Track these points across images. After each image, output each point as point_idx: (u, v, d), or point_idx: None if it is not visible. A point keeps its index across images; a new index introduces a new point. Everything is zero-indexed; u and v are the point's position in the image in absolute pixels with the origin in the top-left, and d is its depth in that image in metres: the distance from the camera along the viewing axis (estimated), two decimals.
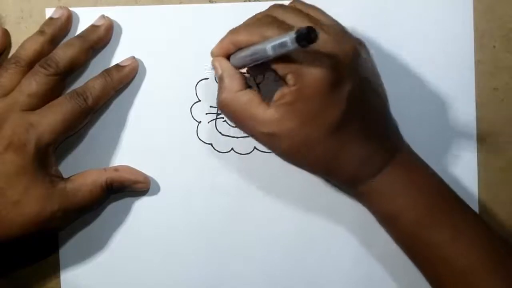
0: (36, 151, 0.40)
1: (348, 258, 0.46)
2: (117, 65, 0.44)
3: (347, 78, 0.38)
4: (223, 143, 0.45)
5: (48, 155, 0.41)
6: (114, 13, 0.45)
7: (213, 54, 0.41)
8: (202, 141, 0.45)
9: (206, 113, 0.45)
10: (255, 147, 0.45)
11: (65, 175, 0.42)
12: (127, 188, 0.44)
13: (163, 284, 0.46)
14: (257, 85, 0.45)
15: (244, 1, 0.45)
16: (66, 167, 0.44)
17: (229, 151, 0.46)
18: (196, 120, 0.45)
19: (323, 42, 0.37)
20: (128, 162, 0.45)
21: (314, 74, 0.37)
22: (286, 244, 0.46)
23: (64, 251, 0.45)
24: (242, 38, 0.39)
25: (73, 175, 0.43)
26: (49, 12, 0.44)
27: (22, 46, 0.43)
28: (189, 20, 0.45)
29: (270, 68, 0.38)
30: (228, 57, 0.41)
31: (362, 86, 0.39)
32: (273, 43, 0.35)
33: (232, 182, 0.45)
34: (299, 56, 0.37)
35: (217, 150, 0.46)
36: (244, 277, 0.46)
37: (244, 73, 0.41)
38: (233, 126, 0.45)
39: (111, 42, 0.45)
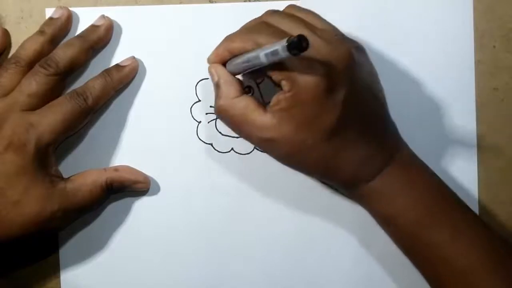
0: (36, 151, 0.40)
1: (348, 258, 0.46)
2: (117, 65, 0.44)
3: (342, 83, 0.38)
4: (223, 143, 0.45)
5: (48, 155, 0.41)
6: (114, 13, 0.45)
7: (209, 61, 0.41)
8: (202, 141, 0.45)
9: (206, 113, 0.45)
10: (255, 147, 0.45)
11: (65, 175, 0.42)
12: (127, 188, 0.44)
13: (163, 284, 0.46)
14: (257, 84, 0.45)
15: (244, 1, 0.45)
16: (66, 167, 0.44)
17: (229, 151, 0.46)
18: (196, 120, 0.45)
19: (318, 47, 0.37)
20: (128, 162, 0.45)
21: (308, 80, 0.37)
22: (286, 244, 0.46)
23: (64, 251, 0.45)
24: (237, 45, 0.39)
25: (73, 175, 0.43)
26: (49, 12, 0.44)
27: (22, 46, 0.43)
28: (189, 20, 0.45)
29: (265, 74, 0.39)
30: (224, 63, 0.41)
31: (359, 90, 0.39)
32: (265, 51, 0.35)
33: (232, 182, 0.45)
34: (293, 62, 0.37)
35: (217, 150, 0.46)
36: (244, 277, 0.46)
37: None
38: None
39: (111, 42, 0.45)
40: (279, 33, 0.38)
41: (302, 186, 0.45)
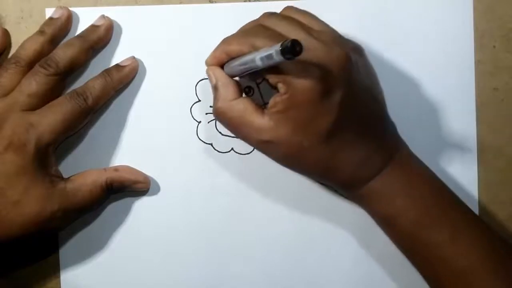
0: (36, 151, 0.40)
1: (348, 258, 0.46)
2: (117, 65, 0.44)
3: (338, 85, 0.38)
4: (223, 143, 0.45)
5: (48, 155, 0.41)
6: (114, 13, 0.45)
7: (207, 63, 0.42)
8: (202, 141, 0.45)
9: (206, 113, 0.45)
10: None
11: (65, 175, 0.42)
12: (127, 188, 0.44)
13: (163, 284, 0.46)
14: (257, 85, 0.45)
15: (244, 1, 0.45)
16: (66, 167, 0.44)
17: (229, 151, 0.46)
18: (196, 120, 0.45)
19: (314, 49, 0.37)
20: (128, 162, 0.45)
21: (303, 83, 0.37)
22: (286, 244, 0.46)
23: (64, 251, 0.45)
24: (234, 48, 0.39)
25: (73, 175, 0.43)
26: (49, 12, 0.44)
27: (22, 46, 0.43)
28: (189, 20, 0.45)
29: (263, 76, 0.39)
30: (222, 66, 0.41)
31: (356, 92, 0.39)
32: (261, 55, 0.35)
33: (232, 182, 0.45)
34: (289, 65, 0.37)
35: (217, 150, 0.46)
36: (244, 277, 0.46)
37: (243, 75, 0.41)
38: None
39: (111, 42, 0.45)
40: (275, 36, 0.38)
41: (302, 186, 0.45)
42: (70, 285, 0.45)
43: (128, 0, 0.45)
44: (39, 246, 0.45)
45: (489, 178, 0.46)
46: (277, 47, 0.33)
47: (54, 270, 0.46)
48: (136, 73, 0.45)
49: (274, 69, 0.37)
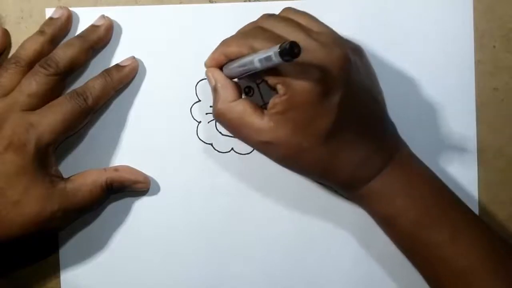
0: (36, 151, 0.40)
1: (348, 258, 0.46)
2: (117, 65, 0.44)
3: (337, 86, 0.38)
4: (223, 143, 0.45)
5: (48, 155, 0.41)
6: (114, 13, 0.45)
7: (206, 65, 0.42)
8: (202, 141, 0.45)
9: (206, 113, 0.45)
10: None
11: (65, 175, 0.42)
12: (127, 188, 0.44)
13: (163, 284, 0.46)
14: (257, 85, 0.45)
15: (244, 1, 0.45)
16: (66, 167, 0.44)
17: (229, 151, 0.46)
18: (196, 120, 0.45)
19: (313, 50, 0.37)
20: (128, 162, 0.45)
21: (302, 84, 0.37)
22: (286, 244, 0.46)
23: (64, 251, 0.45)
24: (232, 50, 0.39)
25: (73, 175, 0.43)
26: (49, 12, 0.44)
27: (22, 46, 0.43)
28: (189, 20, 0.45)
29: (262, 78, 0.39)
30: (221, 67, 0.41)
31: (356, 92, 0.39)
32: (259, 56, 0.35)
33: (232, 182, 0.45)
34: (288, 66, 0.37)
35: (217, 150, 0.46)
36: (244, 277, 0.46)
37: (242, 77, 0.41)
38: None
39: (111, 42, 0.45)
40: (274, 38, 0.38)
41: (302, 186, 0.45)
42: (70, 285, 0.45)
43: (128, 0, 0.45)
44: (39, 246, 0.45)
45: (489, 178, 0.46)
46: (276, 49, 0.33)
47: (54, 270, 0.46)
48: (136, 73, 0.45)
49: (273, 70, 0.37)
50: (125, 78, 0.44)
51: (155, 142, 0.45)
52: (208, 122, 0.45)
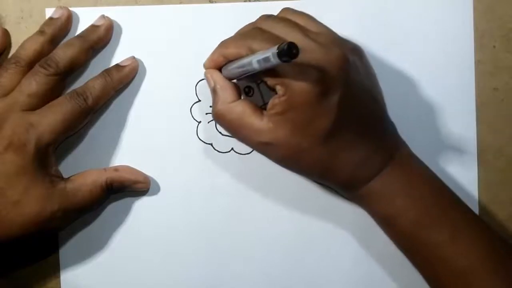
0: (36, 151, 0.40)
1: (348, 258, 0.46)
2: (117, 65, 0.44)
3: (336, 86, 0.38)
4: (223, 143, 0.45)
5: (48, 155, 0.41)
6: (114, 13, 0.45)
7: (205, 66, 0.42)
8: (202, 141, 0.45)
9: (206, 113, 0.45)
10: None
11: (65, 175, 0.42)
12: (127, 188, 0.44)
13: (163, 284, 0.46)
14: (257, 85, 0.45)
15: (244, 1, 0.45)
16: (66, 167, 0.44)
17: (229, 151, 0.46)
18: (196, 120, 0.45)
19: (311, 51, 0.37)
20: (128, 162, 0.45)
21: (301, 85, 0.37)
22: (286, 244, 0.46)
23: (64, 251, 0.45)
24: (231, 51, 0.39)
25: (73, 175, 0.43)
26: (49, 12, 0.44)
27: (22, 46, 0.43)
28: (189, 20, 0.45)
29: (261, 78, 0.39)
30: (220, 68, 0.41)
31: (355, 92, 0.39)
32: (258, 57, 0.35)
33: (232, 182, 0.45)
34: (286, 67, 0.37)
35: (217, 150, 0.46)
36: (244, 277, 0.46)
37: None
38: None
39: (111, 42, 0.45)
40: (273, 39, 0.38)
41: (302, 186, 0.45)
42: (70, 285, 0.45)
43: (128, 0, 0.45)
44: (39, 246, 0.45)
45: (489, 178, 0.46)
46: (274, 49, 0.33)
47: (54, 270, 0.46)
48: (136, 73, 0.45)
49: (272, 71, 0.37)
50: (125, 78, 0.44)
51: (155, 142, 0.45)
52: (208, 122, 0.45)
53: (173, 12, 0.45)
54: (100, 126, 0.45)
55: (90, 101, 0.42)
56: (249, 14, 0.42)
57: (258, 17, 0.41)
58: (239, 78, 0.40)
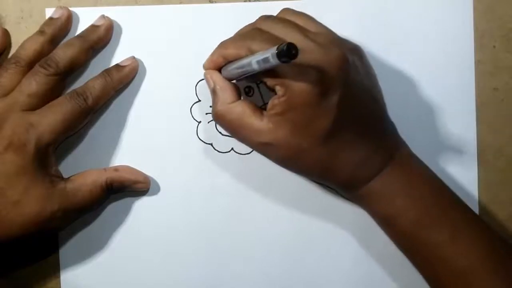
0: (36, 151, 0.40)
1: (348, 258, 0.46)
2: (117, 65, 0.44)
3: (335, 87, 0.38)
4: (223, 143, 0.45)
5: (48, 155, 0.41)
6: (114, 13, 0.45)
7: (204, 67, 0.42)
8: (202, 141, 0.45)
9: (206, 113, 0.45)
10: None
11: (65, 175, 0.42)
12: (127, 188, 0.44)
13: (163, 284, 0.46)
14: (257, 85, 0.45)
15: (244, 1, 0.45)
16: (66, 167, 0.44)
17: (229, 151, 0.46)
18: (196, 120, 0.45)
19: (310, 51, 0.37)
20: (128, 162, 0.45)
21: (300, 85, 0.37)
22: (286, 244, 0.46)
23: (64, 251, 0.45)
24: (230, 52, 0.39)
25: (73, 175, 0.43)
26: (49, 12, 0.44)
27: (22, 46, 0.43)
28: (189, 20, 0.45)
29: (260, 79, 0.39)
30: (219, 69, 0.41)
31: (355, 92, 0.39)
32: (257, 58, 0.35)
33: (232, 182, 0.45)
34: (286, 68, 0.37)
35: (217, 150, 0.46)
36: (243, 277, 0.46)
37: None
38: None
39: (111, 42, 0.45)
40: (272, 39, 0.38)
41: (302, 186, 0.45)
42: (70, 285, 0.45)
43: (128, 0, 0.45)
44: (39, 246, 0.45)
45: (489, 178, 0.46)
46: (273, 50, 0.33)
47: (54, 270, 0.46)
48: (136, 73, 0.45)
49: (271, 71, 0.37)
50: (125, 78, 0.44)
51: (155, 142, 0.45)
52: (208, 122, 0.45)
53: (173, 12, 0.45)
54: (100, 126, 0.45)
55: (90, 101, 0.42)
56: (249, 14, 0.42)
57: (258, 17, 0.41)
58: (238, 78, 0.40)
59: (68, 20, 0.44)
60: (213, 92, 0.41)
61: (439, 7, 0.45)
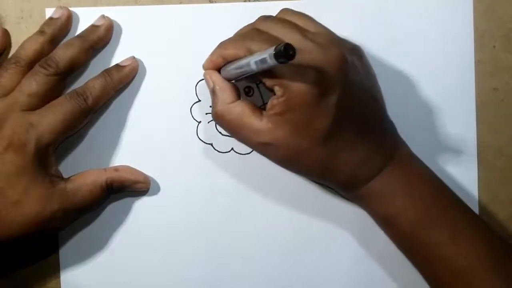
0: (36, 151, 0.40)
1: (348, 258, 0.46)
2: (117, 65, 0.44)
3: (334, 87, 0.38)
4: (223, 143, 0.46)
5: (48, 155, 0.41)
6: (114, 13, 0.45)
7: (204, 67, 0.42)
8: (202, 141, 0.45)
9: (206, 113, 0.45)
10: None
11: (65, 175, 0.43)
12: (127, 188, 0.44)
13: (163, 284, 0.46)
14: (257, 85, 0.45)
15: (244, 1, 0.45)
16: (66, 167, 0.44)
17: (229, 151, 0.46)
18: (196, 120, 0.45)
19: (309, 51, 0.37)
20: (128, 162, 0.45)
21: (299, 85, 0.37)
22: (286, 244, 0.46)
23: (64, 251, 0.45)
24: (230, 52, 0.39)
25: (73, 175, 0.43)
26: (49, 12, 0.44)
27: (22, 46, 0.43)
28: (189, 20, 0.45)
29: (259, 79, 0.39)
30: (219, 69, 0.41)
31: (354, 92, 0.39)
32: (255, 59, 0.36)
33: (232, 182, 0.45)
34: (284, 68, 0.37)
35: (217, 150, 0.46)
36: (243, 277, 0.46)
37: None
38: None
39: (111, 42, 0.45)
40: (271, 40, 0.38)
41: (301, 186, 0.45)
42: (70, 285, 0.45)
43: (128, 0, 0.45)
44: (39, 246, 0.45)
45: (489, 178, 0.46)
46: (271, 51, 0.33)
47: (54, 270, 0.46)
48: (136, 73, 0.45)
49: (270, 72, 0.37)
50: (125, 78, 0.44)
51: (155, 142, 0.45)
52: (208, 122, 0.45)
53: (173, 12, 0.45)
54: (100, 126, 0.45)
55: (90, 101, 0.42)
56: (249, 14, 0.42)
57: (257, 17, 0.41)
58: (238, 78, 0.40)
59: (68, 20, 0.44)
60: (213, 92, 0.41)
61: (439, 7, 0.45)
